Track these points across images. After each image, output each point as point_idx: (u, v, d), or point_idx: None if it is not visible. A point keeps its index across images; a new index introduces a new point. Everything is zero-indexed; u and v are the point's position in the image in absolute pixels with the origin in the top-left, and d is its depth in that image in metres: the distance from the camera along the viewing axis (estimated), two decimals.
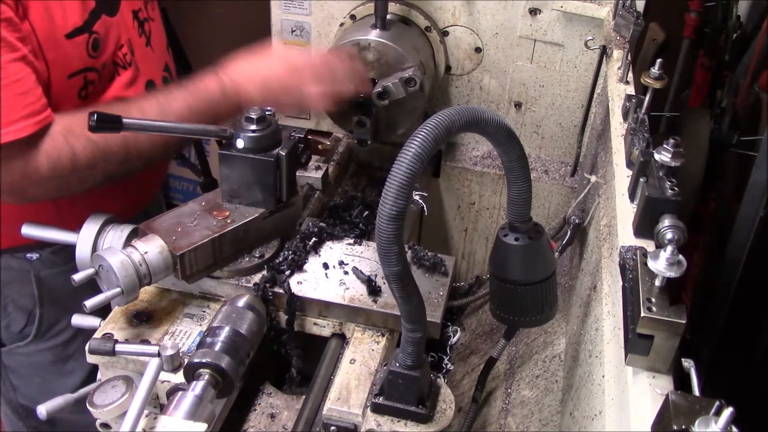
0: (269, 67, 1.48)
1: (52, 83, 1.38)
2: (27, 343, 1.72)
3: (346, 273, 1.32)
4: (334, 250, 1.37)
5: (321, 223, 1.40)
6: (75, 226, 1.31)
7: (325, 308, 1.28)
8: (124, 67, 1.54)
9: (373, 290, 1.27)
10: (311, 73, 1.49)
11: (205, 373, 1.09)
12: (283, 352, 1.33)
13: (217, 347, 1.12)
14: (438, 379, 1.16)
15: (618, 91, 1.43)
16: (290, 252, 1.33)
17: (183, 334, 1.25)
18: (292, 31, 1.85)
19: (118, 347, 1.16)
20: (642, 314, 0.83)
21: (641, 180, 1.03)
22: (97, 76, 1.46)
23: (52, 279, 1.65)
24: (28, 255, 1.61)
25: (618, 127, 1.31)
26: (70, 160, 1.31)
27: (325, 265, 1.33)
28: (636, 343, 0.85)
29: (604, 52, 1.60)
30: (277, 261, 1.32)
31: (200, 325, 1.26)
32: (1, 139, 1.25)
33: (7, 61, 1.26)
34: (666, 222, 0.91)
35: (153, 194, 1.87)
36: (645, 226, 0.99)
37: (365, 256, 1.35)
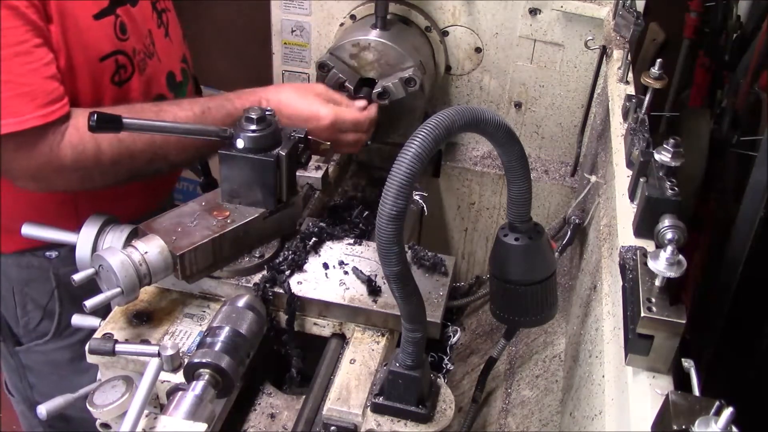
0: (313, 109, 1.48)
1: (84, 67, 1.39)
2: (46, 341, 1.73)
3: (346, 273, 1.32)
4: (334, 250, 1.37)
5: (321, 223, 1.40)
6: (71, 227, 1.32)
7: (325, 308, 1.28)
8: (149, 57, 1.55)
9: (373, 290, 1.28)
10: (351, 127, 1.52)
11: (205, 373, 1.09)
12: (283, 352, 1.33)
13: (217, 347, 1.12)
14: (438, 379, 1.16)
15: (618, 91, 1.43)
16: (290, 252, 1.33)
17: (183, 334, 1.25)
18: (292, 31, 1.85)
19: (118, 347, 1.17)
20: (642, 314, 0.83)
21: (641, 180, 1.03)
22: (128, 60, 1.48)
23: (68, 277, 1.66)
24: (48, 253, 1.62)
25: (618, 127, 1.31)
26: (95, 153, 1.33)
27: (325, 265, 1.33)
28: (636, 343, 0.85)
29: (604, 52, 1.60)
30: (277, 261, 1.32)
31: (200, 325, 1.26)
32: (33, 122, 1.26)
33: (37, 44, 1.27)
34: (666, 222, 0.91)
35: (166, 197, 1.87)
36: (645, 226, 0.99)
37: (365, 256, 1.35)
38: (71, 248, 1.60)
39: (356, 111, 1.54)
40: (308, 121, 1.46)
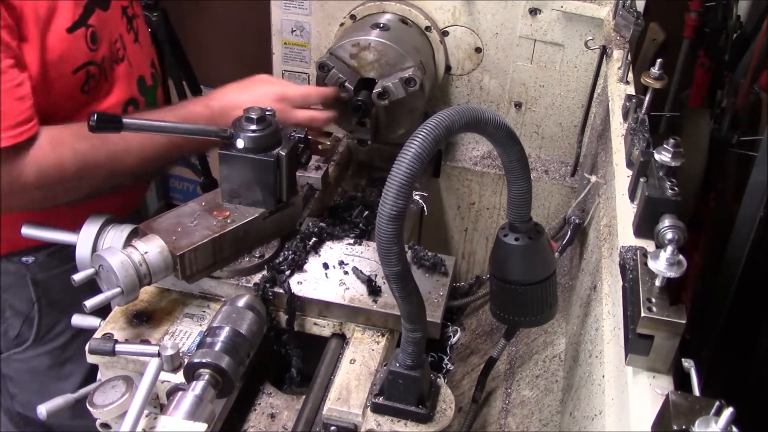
0: (257, 94, 1.49)
1: (58, 80, 1.40)
2: (25, 348, 1.72)
3: (346, 273, 1.32)
4: (334, 250, 1.37)
5: (321, 223, 1.41)
6: (69, 227, 1.32)
7: (325, 308, 1.28)
8: (118, 62, 1.56)
9: (373, 290, 1.28)
10: (300, 99, 1.51)
11: (205, 373, 1.09)
12: (283, 352, 1.33)
13: (217, 347, 1.12)
14: (438, 379, 1.16)
15: (618, 91, 1.43)
16: (290, 252, 1.33)
17: (183, 334, 1.25)
18: (292, 31, 1.85)
19: (118, 347, 1.17)
20: (642, 314, 0.83)
21: (641, 180, 1.03)
22: (98, 70, 1.49)
23: (48, 281, 1.66)
24: (24, 259, 1.61)
25: (618, 127, 1.31)
26: (57, 170, 1.32)
27: (325, 265, 1.33)
28: (636, 343, 0.85)
29: (604, 52, 1.60)
30: (277, 261, 1.32)
31: (200, 325, 1.26)
32: (2, 143, 1.26)
33: (7, 66, 1.27)
34: (666, 222, 0.91)
35: (143, 195, 1.88)
36: (645, 226, 0.99)
37: (365, 256, 1.35)
38: (48, 253, 1.62)
39: (305, 87, 1.55)
40: (257, 104, 1.43)
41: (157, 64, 1.81)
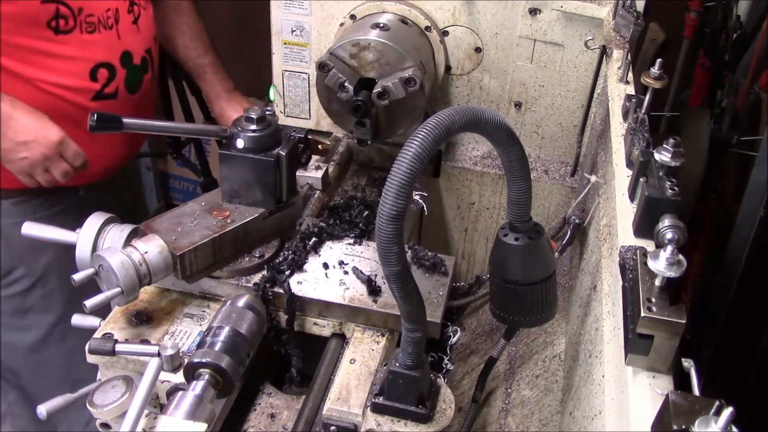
0: (42, 128, 1.59)
1: (25, 2, 1.55)
2: None
3: (346, 273, 1.32)
4: (334, 250, 1.37)
5: (321, 223, 1.41)
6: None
7: (325, 308, 1.28)
8: (106, 28, 1.72)
9: (373, 290, 1.28)
10: (72, 156, 1.63)
11: (205, 373, 1.09)
12: (283, 352, 1.33)
13: (217, 347, 1.12)
14: (438, 379, 1.16)
15: (618, 91, 1.43)
16: (290, 252, 1.33)
17: (183, 334, 1.25)
18: (292, 31, 1.85)
19: (118, 347, 1.17)
20: (642, 314, 0.83)
21: (641, 180, 1.03)
22: (70, 13, 1.64)
23: (10, 228, 1.77)
24: None
25: (618, 127, 1.31)
26: None
27: (325, 265, 1.33)
28: (636, 343, 0.85)
29: (604, 52, 1.60)
30: (277, 261, 1.32)
31: (200, 325, 1.26)
32: None
33: None
34: (666, 222, 0.91)
35: (120, 165, 1.95)
36: (645, 226, 0.99)
37: (365, 256, 1.35)
38: (13, 202, 1.74)
39: (78, 150, 1.65)
40: (37, 134, 1.57)
41: (155, 55, 1.91)
